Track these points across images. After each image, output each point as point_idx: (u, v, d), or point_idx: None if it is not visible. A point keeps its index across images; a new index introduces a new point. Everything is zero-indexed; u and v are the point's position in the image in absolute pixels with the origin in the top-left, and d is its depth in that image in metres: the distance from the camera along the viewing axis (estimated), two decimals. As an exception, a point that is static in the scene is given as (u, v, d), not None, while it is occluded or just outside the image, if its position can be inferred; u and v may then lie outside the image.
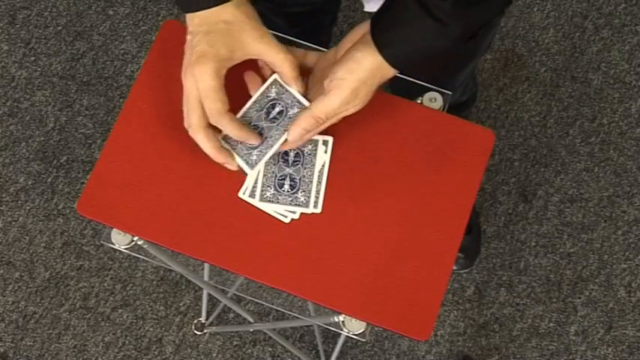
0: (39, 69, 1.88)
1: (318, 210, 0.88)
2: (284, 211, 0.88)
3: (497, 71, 1.87)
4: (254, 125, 0.87)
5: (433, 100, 0.94)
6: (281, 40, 0.99)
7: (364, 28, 0.84)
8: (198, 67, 0.81)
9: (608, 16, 1.90)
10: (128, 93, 1.02)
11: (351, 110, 0.83)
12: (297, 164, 0.89)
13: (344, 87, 0.82)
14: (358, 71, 0.81)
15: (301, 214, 0.88)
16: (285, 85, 0.87)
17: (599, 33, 1.89)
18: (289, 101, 0.86)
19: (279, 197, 0.88)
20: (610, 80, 1.86)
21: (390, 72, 0.82)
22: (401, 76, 0.90)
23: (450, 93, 0.94)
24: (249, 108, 0.87)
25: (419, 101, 0.94)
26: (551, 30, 1.90)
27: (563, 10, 1.91)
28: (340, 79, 0.82)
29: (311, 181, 0.89)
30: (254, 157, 0.86)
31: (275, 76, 0.87)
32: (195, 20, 0.82)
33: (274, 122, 0.86)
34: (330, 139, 0.90)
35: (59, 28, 1.91)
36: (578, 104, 1.85)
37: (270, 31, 0.91)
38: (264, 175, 0.89)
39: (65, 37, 1.90)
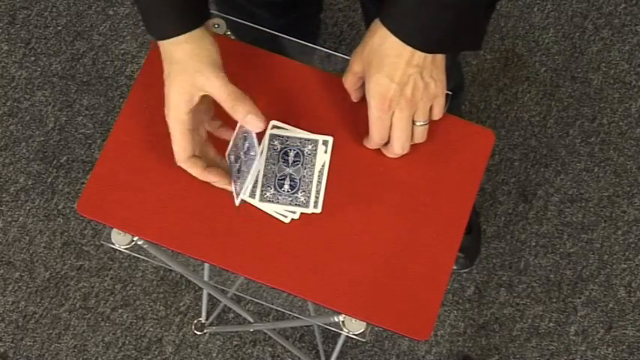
0: (39, 69, 1.88)
1: (318, 210, 0.88)
2: (284, 211, 0.88)
3: (497, 71, 1.87)
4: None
5: (433, 100, 0.94)
6: (269, 35, 1.00)
7: (365, 44, 0.84)
8: (168, 115, 0.82)
9: (608, 16, 1.90)
10: (128, 93, 1.02)
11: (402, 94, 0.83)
12: (297, 164, 0.89)
13: (355, 53, 0.84)
14: (370, 41, 0.82)
15: (301, 214, 0.88)
16: (285, 133, 0.89)
17: (599, 33, 1.89)
18: (298, 143, 0.90)
19: (279, 197, 0.88)
20: (610, 80, 1.86)
21: (410, 50, 0.81)
22: None
23: (450, 93, 0.94)
24: (266, 166, 0.89)
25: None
26: (551, 30, 1.90)
27: (563, 10, 1.91)
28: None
29: (311, 181, 0.89)
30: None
31: (269, 131, 0.89)
32: (176, 54, 0.82)
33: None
34: (330, 139, 0.90)
35: (59, 28, 1.91)
36: (578, 104, 1.85)
37: (257, 26, 0.92)
38: (265, 175, 0.89)
39: (65, 37, 1.90)
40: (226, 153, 0.87)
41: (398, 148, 0.87)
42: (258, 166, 0.86)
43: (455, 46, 0.85)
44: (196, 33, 0.81)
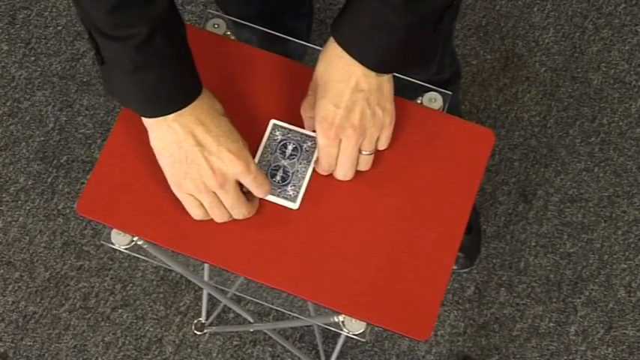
0: (39, 69, 1.88)
1: (296, 206, 0.88)
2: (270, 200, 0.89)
3: (497, 71, 1.87)
4: (275, 166, 0.89)
5: (433, 100, 0.94)
6: (269, 35, 0.99)
7: (319, 66, 0.84)
8: (241, 161, 0.82)
9: (608, 16, 1.90)
10: (128, 93, 1.02)
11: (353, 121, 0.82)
12: (294, 158, 0.90)
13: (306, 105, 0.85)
14: (320, 69, 0.82)
15: (302, 213, 0.88)
16: (287, 125, 0.90)
17: (599, 33, 1.89)
18: (298, 137, 0.90)
19: None
20: (610, 80, 1.86)
21: (361, 71, 0.81)
22: (399, 76, 0.90)
23: (451, 93, 0.94)
24: (262, 154, 0.90)
25: (419, 101, 0.94)
26: (551, 30, 1.90)
27: (563, 10, 1.91)
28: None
29: (303, 177, 0.89)
30: (290, 192, 0.88)
31: (273, 121, 0.90)
32: (197, 126, 0.82)
33: (293, 158, 0.89)
34: None
35: (59, 28, 1.91)
36: (578, 104, 1.85)
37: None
38: (259, 163, 0.89)
39: (65, 37, 1.90)
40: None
41: (340, 174, 0.87)
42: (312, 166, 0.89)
43: (407, 64, 0.84)
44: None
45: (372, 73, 0.81)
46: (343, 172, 0.87)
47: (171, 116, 0.80)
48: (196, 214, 0.85)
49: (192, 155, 0.81)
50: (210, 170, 0.81)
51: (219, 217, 0.86)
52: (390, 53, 0.80)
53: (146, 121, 0.82)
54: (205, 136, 0.81)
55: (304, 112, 0.87)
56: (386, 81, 0.83)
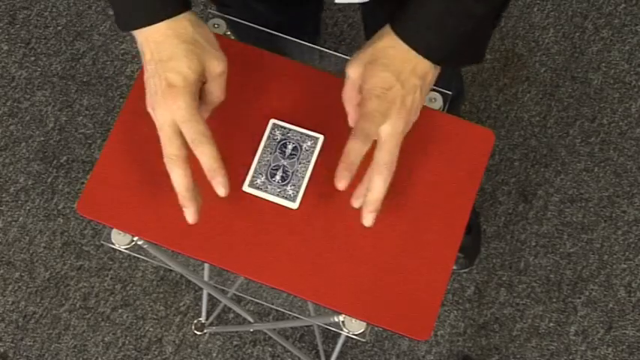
0: (39, 69, 1.88)
1: (296, 206, 0.88)
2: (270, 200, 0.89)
3: (497, 71, 1.87)
4: (275, 166, 0.89)
5: (433, 100, 0.94)
6: (269, 35, 0.99)
7: (366, 51, 0.81)
8: (172, 99, 0.78)
9: (608, 16, 1.90)
10: (128, 93, 1.02)
11: (395, 115, 0.79)
12: (293, 158, 0.90)
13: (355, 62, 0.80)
14: (373, 47, 0.79)
15: (301, 213, 0.88)
16: (287, 125, 0.90)
17: (599, 33, 1.89)
18: (298, 137, 0.90)
19: (269, 186, 0.89)
20: (610, 80, 1.86)
21: (425, 66, 0.79)
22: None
23: (450, 93, 0.94)
24: (262, 154, 0.90)
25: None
26: (551, 30, 1.90)
27: (563, 10, 1.91)
28: (378, 88, 0.79)
29: (303, 177, 0.89)
30: (290, 192, 0.88)
31: (272, 120, 0.90)
32: (151, 45, 0.80)
33: (293, 158, 0.89)
34: (321, 137, 0.90)
35: (59, 28, 1.91)
36: (578, 104, 1.85)
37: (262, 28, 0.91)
38: (259, 162, 0.89)
39: (65, 37, 1.90)
40: (252, 169, 0.89)
41: (381, 163, 0.80)
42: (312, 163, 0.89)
43: (465, 58, 0.84)
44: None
45: (431, 65, 0.80)
46: (385, 162, 0.80)
47: (140, 30, 0.81)
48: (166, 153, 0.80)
49: (147, 71, 0.81)
50: (153, 88, 0.80)
51: (170, 158, 0.79)
52: (454, 45, 0.79)
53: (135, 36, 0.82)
54: (154, 54, 0.80)
55: (349, 97, 0.82)
56: (436, 73, 0.82)
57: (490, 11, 0.78)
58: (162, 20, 0.79)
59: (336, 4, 1.30)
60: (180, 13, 0.80)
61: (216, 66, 0.80)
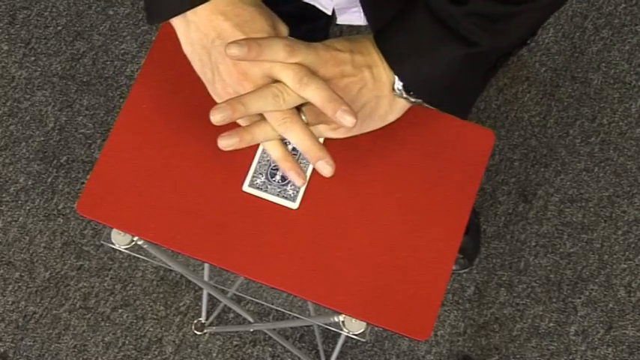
0: (39, 69, 1.88)
1: (296, 206, 0.88)
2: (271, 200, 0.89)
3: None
4: (275, 166, 0.89)
5: (433, 100, 0.94)
6: None
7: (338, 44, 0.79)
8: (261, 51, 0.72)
9: (608, 16, 1.90)
10: (128, 93, 1.02)
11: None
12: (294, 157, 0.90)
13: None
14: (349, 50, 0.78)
15: (302, 213, 0.88)
16: None
17: (599, 33, 1.89)
18: None
19: (269, 186, 0.89)
20: (610, 80, 1.86)
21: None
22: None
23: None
24: (262, 154, 0.90)
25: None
26: (551, 30, 1.90)
27: (563, 10, 1.91)
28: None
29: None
30: (290, 192, 0.88)
31: None
32: (215, 20, 0.74)
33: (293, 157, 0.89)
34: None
35: (59, 28, 1.91)
36: (578, 104, 1.85)
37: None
38: (259, 162, 0.89)
39: (65, 37, 1.90)
40: (253, 169, 0.89)
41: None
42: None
43: (443, 101, 0.81)
44: None
45: (402, 100, 0.80)
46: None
47: (189, 12, 0.75)
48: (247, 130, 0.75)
49: (215, 52, 0.75)
50: (231, 65, 0.74)
51: (252, 127, 0.74)
52: (434, 82, 0.78)
53: (174, 25, 0.77)
54: (224, 26, 0.74)
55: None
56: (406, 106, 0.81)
57: (483, 58, 0.77)
58: None
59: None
60: None
61: (284, 29, 0.78)
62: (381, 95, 0.79)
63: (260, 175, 0.89)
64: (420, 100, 0.80)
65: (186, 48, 0.79)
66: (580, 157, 1.82)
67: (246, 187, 0.89)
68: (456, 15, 0.74)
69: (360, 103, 0.79)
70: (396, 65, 0.77)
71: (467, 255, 1.72)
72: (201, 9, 0.75)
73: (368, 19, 0.95)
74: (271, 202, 0.89)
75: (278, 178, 0.89)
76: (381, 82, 0.79)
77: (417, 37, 0.76)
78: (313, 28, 1.28)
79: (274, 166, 0.89)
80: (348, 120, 0.72)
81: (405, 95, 0.79)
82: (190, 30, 0.76)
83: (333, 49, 0.77)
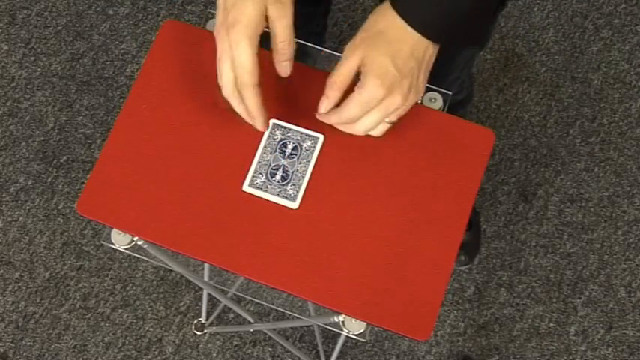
0: (39, 69, 1.88)
1: (296, 205, 0.88)
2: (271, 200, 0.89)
3: (497, 71, 1.87)
4: (275, 166, 0.89)
5: (433, 100, 0.94)
6: (269, 35, 0.99)
7: (362, 32, 0.82)
8: (234, 34, 0.79)
9: (608, 16, 1.90)
10: (128, 93, 1.02)
11: (395, 94, 0.80)
12: (294, 157, 0.90)
13: (352, 47, 0.80)
14: (376, 24, 0.79)
15: (302, 212, 0.88)
16: (287, 125, 0.90)
17: (599, 33, 1.89)
18: (298, 137, 0.90)
19: (269, 186, 0.89)
20: (610, 80, 1.86)
21: (422, 43, 0.79)
22: None
23: (450, 93, 0.94)
24: (262, 154, 0.90)
25: (419, 101, 0.94)
26: (551, 30, 1.90)
27: (563, 10, 1.91)
28: (367, 57, 0.80)
29: (303, 177, 0.89)
30: (290, 192, 0.88)
31: (272, 121, 0.90)
32: None
33: (293, 157, 0.89)
34: (321, 137, 0.90)
35: (59, 28, 1.91)
36: (578, 104, 1.85)
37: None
38: (259, 162, 0.89)
39: (65, 37, 1.90)
40: (253, 169, 0.89)
41: (361, 128, 0.84)
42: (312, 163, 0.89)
43: (463, 39, 0.83)
44: None
45: (428, 43, 0.80)
46: (365, 128, 0.84)
47: None
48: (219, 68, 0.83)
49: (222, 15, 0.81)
50: (227, 8, 0.81)
51: (223, 72, 0.82)
52: (451, 24, 0.79)
53: None
54: None
55: (342, 82, 0.82)
56: (434, 51, 0.82)
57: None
58: None
59: (336, 4, 1.31)
60: None
61: (275, 10, 0.81)
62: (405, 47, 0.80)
63: (260, 175, 0.89)
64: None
65: None
66: (580, 157, 1.82)
67: (246, 187, 0.89)
68: None
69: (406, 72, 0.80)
70: (422, 29, 0.78)
71: (468, 251, 1.72)
72: None
73: None
74: (271, 202, 0.89)
75: (278, 178, 0.89)
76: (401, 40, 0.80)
77: None
78: (310, 15, 1.28)
79: (274, 165, 0.89)
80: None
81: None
82: None
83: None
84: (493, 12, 0.82)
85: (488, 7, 0.80)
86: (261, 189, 0.89)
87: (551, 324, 1.73)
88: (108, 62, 1.88)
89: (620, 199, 1.79)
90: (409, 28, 0.79)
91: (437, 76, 0.88)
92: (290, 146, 0.90)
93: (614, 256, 1.76)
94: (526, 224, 1.78)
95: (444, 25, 0.79)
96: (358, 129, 0.85)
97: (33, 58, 1.89)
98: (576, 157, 1.82)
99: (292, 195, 0.89)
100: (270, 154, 0.90)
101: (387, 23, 0.80)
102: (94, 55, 1.89)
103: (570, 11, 1.91)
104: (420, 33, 0.79)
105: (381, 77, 0.80)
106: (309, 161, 0.90)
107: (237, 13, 0.80)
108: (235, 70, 0.81)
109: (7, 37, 1.90)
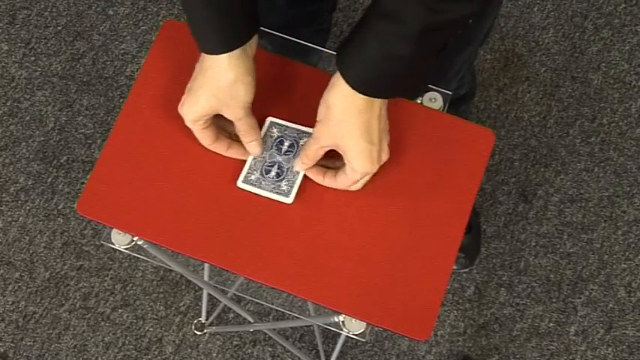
0: (39, 69, 1.88)
1: (290, 201, 0.88)
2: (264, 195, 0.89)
3: (497, 71, 1.87)
4: (270, 162, 0.89)
5: (433, 100, 0.94)
6: (285, 41, 0.99)
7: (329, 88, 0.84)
8: (189, 99, 0.85)
9: (608, 16, 1.90)
10: (128, 93, 1.02)
11: (369, 157, 0.83)
12: (289, 154, 0.90)
13: (320, 125, 0.83)
14: (333, 108, 0.81)
15: (297, 207, 0.88)
16: (284, 122, 0.91)
17: (599, 33, 1.89)
18: (295, 134, 0.90)
19: (263, 182, 0.89)
20: (610, 80, 1.86)
21: (366, 101, 0.80)
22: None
23: (450, 93, 0.94)
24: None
25: (419, 101, 0.94)
26: (551, 30, 1.90)
27: (563, 10, 1.91)
28: (317, 122, 0.83)
29: (298, 173, 0.89)
30: (284, 188, 0.89)
31: (269, 118, 0.91)
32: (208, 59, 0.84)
33: (289, 154, 0.90)
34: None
35: (59, 28, 1.91)
36: (578, 104, 1.85)
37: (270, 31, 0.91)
38: (254, 159, 0.90)
39: (65, 37, 1.90)
40: (247, 166, 0.89)
41: (355, 188, 0.88)
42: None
43: (409, 90, 0.85)
44: (237, 53, 0.83)
45: (381, 101, 0.82)
46: (358, 187, 0.89)
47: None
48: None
49: (196, 77, 0.86)
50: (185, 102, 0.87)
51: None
52: (394, 82, 0.80)
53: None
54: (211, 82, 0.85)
55: (313, 158, 0.87)
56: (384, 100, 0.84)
57: (429, 50, 0.78)
58: (230, 50, 0.83)
59: (337, 3, 1.31)
60: (243, 43, 0.84)
61: (231, 114, 0.87)
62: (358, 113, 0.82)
63: (254, 172, 0.89)
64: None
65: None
66: (580, 157, 1.82)
67: (240, 184, 0.89)
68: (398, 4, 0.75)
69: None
70: (350, 77, 0.80)
71: (468, 254, 1.72)
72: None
73: None
74: (266, 197, 0.89)
75: (273, 174, 0.89)
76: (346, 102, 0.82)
77: (365, 42, 0.78)
78: (318, 11, 1.28)
79: (270, 162, 0.90)
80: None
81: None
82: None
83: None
84: (435, 63, 0.82)
85: (430, 62, 0.80)
86: (255, 185, 0.89)
87: (551, 324, 1.73)
88: (108, 62, 1.88)
89: (620, 199, 1.79)
90: (356, 94, 0.80)
91: (436, 74, 0.89)
92: (287, 143, 0.90)
93: (614, 256, 1.76)
94: (526, 224, 1.78)
95: (388, 86, 0.80)
96: (352, 189, 0.89)
97: (33, 58, 1.89)
98: (576, 157, 1.82)
99: (286, 191, 0.89)
100: (267, 151, 0.90)
101: (343, 95, 0.80)
102: (94, 55, 1.89)
103: (570, 11, 1.91)
104: (359, 88, 0.79)
105: (368, 159, 0.83)
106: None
107: (188, 105, 0.86)
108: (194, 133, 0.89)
109: (7, 37, 1.90)
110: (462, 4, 0.75)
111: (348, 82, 0.79)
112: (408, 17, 0.74)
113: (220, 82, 0.83)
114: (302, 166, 0.88)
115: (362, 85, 0.79)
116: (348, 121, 0.81)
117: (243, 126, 0.87)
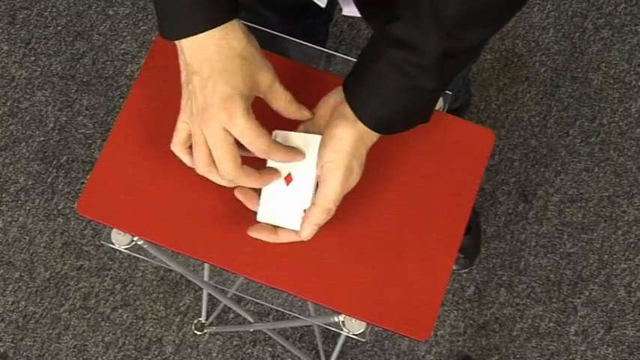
0: (39, 69, 1.88)
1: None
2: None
3: (497, 71, 1.87)
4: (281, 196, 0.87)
5: (433, 100, 0.94)
6: (277, 38, 0.99)
7: (336, 97, 0.81)
8: (227, 111, 0.74)
9: (608, 16, 1.90)
10: (128, 93, 1.02)
11: (352, 185, 0.81)
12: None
13: (336, 169, 0.79)
14: (344, 148, 0.78)
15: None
16: (288, 133, 0.87)
17: (599, 33, 1.89)
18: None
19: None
20: (610, 80, 1.86)
21: (374, 136, 0.79)
22: None
23: (450, 93, 0.94)
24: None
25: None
26: (551, 30, 1.90)
27: (563, 10, 1.91)
28: (330, 162, 0.79)
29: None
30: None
31: (275, 132, 0.88)
32: (200, 56, 0.76)
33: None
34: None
35: (59, 28, 1.91)
36: (578, 104, 1.85)
37: (269, 30, 0.90)
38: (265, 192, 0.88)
39: (65, 37, 1.90)
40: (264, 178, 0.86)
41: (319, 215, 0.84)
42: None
43: (408, 126, 0.82)
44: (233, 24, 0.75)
45: (377, 135, 0.80)
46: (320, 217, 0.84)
47: (187, 39, 0.76)
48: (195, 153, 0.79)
49: (193, 82, 0.77)
50: (202, 102, 0.76)
51: (199, 161, 0.78)
52: (411, 117, 0.79)
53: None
54: (203, 65, 0.76)
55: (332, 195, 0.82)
56: (376, 137, 0.82)
57: (445, 82, 0.76)
58: (213, 28, 0.74)
59: (335, 4, 1.31)
60: (231, 19, 0.75)
61: (265, 79, 0.79)
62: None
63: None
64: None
65: (183, 70, 0.81)
66: (580, 157, 1.82)
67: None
68: (420, 63, 0.73)
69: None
70: (368, 121, 0.78)
71: (468, 255, 1.72)
72: (190, 40, 0.76)
73: (360, 11, 0.96)
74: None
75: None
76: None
77: (383, 92, 0.76)
78: (313, 24, 1.28)
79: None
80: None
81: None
82: (180, 54, 0.79)
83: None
84: (437, 96, 0.81)
85: (437, 96, 0.80)
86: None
87: (551, 324, 1.73)
88: (108, 62, 1.88)
89: (620, 199, 1.79)
90: (364, 127, 0.78)
91: None
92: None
93: (614, 256, 1.76)
94: (526, 224, 1.78)
95: (397, 120, 0.79)
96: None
97: (33, 58, 1.89)
98: (576, 157, 1.82)
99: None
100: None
101: (346, 126, 0.78)
102: (94, 55, 1.89)
103: (570, 11, 1.91)
104: (374, 130, 0.78)
105: (345, 177, 0.80)
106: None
107: (223, 88, 0.75)
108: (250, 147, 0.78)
109: (7, 37, 1.90)
110: (480, 30, 0.73)
111: (363, 121, 0.77)
112: (426, 46, 0.71)
113: (235, 51, 0.75)
114: (309, 234, 0.83)
115: (378, 123, 0.77)
116: (353, 154, 0.79)
117: (279, 88, 0.80)
